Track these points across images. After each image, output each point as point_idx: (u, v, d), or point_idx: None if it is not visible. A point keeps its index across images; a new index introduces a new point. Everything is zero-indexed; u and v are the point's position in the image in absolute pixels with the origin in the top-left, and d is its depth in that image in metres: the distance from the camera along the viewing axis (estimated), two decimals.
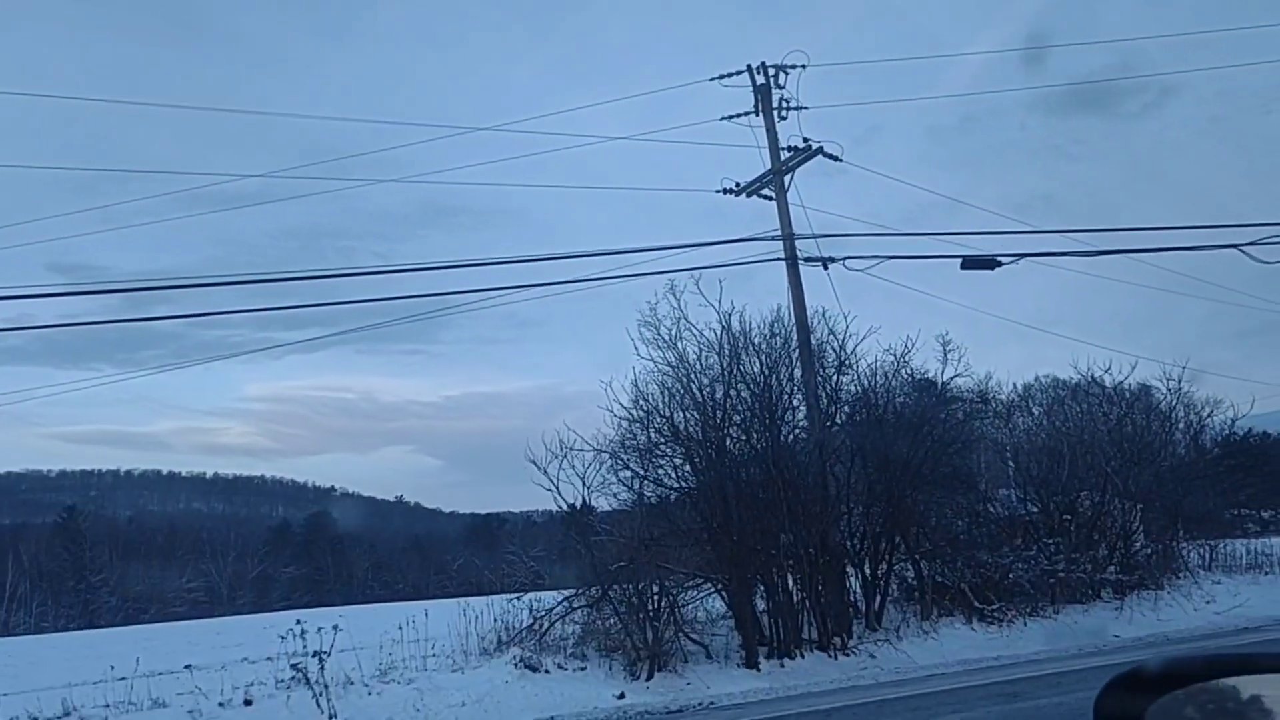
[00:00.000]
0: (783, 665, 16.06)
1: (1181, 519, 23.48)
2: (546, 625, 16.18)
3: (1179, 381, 24.18)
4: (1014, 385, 26.72)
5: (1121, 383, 23.47)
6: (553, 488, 16.36)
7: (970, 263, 17.25)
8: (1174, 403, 24.71)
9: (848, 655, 16.60)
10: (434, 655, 15.78)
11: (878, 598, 18.24)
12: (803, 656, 16.40)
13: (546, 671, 14.81)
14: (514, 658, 15.03)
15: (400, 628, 16.06)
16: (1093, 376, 23.81)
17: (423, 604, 24.27)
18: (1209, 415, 25.53)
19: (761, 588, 17.06)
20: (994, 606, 18.66)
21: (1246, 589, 21.02)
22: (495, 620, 16.66)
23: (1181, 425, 25.46)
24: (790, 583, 17.27)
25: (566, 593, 17.11)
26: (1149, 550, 21.98)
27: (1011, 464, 23.43)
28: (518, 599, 17.17)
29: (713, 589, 17.04)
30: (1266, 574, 22.91)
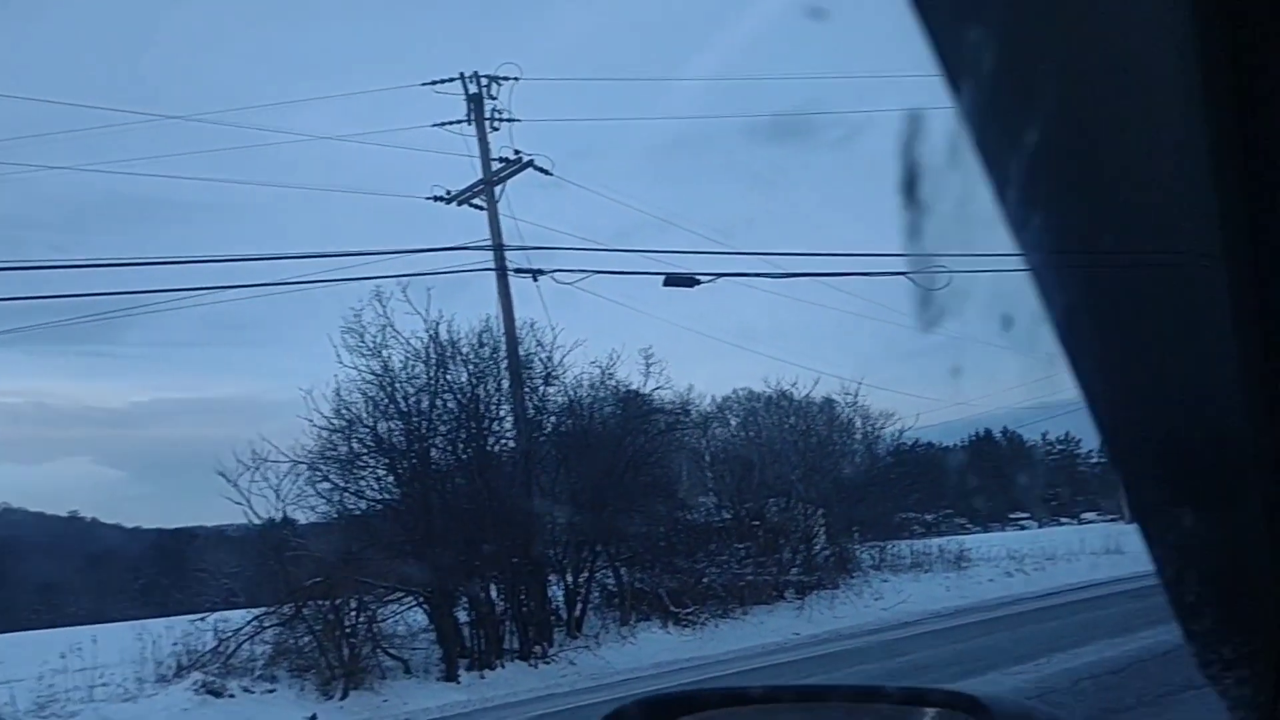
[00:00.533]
0: (483, 676, 16.02)
1: (857, 523, 25.57)
2: (233, 647, 15.28)
3: (855, 396, 26.40)
4: (713, 398, 28.00)
5: (807, 396, 25.33)
6: (244, 501, 15.58)
7: (671, 280, 18.03)
8: (852, 415, 26.93)
9: (548, 663, 16.81)
10: (103, 685, 14.52)
11: (579, 605, 18.59)
12: (504, 666, 16.44)
13: (231, 695, 14.01)
14: (195, 683, 14.11)
15: (63, 656, 14.64)
16: (782, 390, 25.55)
17: (94, 629, 22.27)
18: (882, 427, 27.90)
19: (464, 599, 16.95)
20: (688, 610, 19.50)
21: (909, 586, 23.14)
22: (175, 644, 15.53)
23: (859, 436, 27.71)
24: (493, 593, 17.29)
25: (258, 611, 16.25)
26: (828, 552, 23.78)
27: (709, 473, 24.63)
28: (202, 619, 16.12)
29: (415, 602, 16.75)
30: (926, 572, 25.33)
